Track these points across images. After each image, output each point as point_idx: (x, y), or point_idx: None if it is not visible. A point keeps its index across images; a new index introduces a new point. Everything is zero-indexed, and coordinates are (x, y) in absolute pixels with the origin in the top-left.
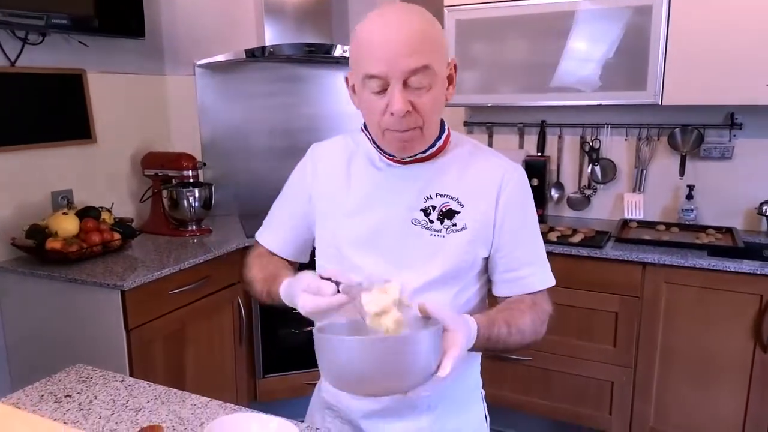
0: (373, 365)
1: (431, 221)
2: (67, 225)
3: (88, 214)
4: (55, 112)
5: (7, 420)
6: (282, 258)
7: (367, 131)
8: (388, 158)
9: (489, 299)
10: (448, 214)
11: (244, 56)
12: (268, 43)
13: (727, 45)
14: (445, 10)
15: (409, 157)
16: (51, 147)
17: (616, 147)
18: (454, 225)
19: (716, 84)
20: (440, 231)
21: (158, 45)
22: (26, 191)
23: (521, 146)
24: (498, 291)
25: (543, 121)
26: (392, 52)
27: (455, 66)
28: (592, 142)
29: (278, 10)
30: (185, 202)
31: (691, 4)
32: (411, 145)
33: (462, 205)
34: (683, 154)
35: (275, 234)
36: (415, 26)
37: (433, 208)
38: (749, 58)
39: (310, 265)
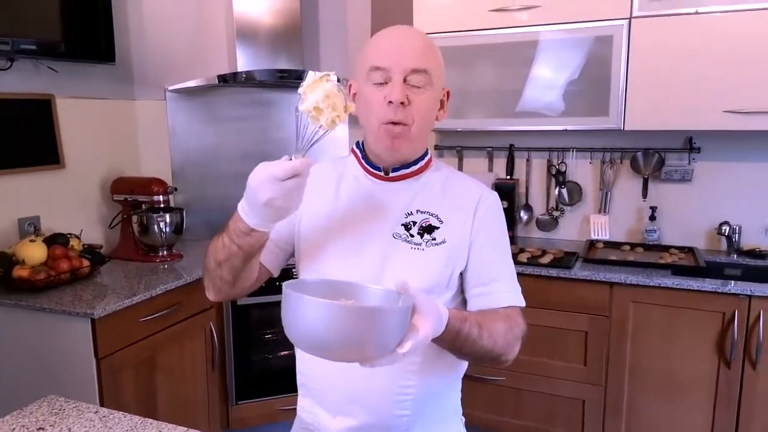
0: (336, 331)
1: (412, 235)
2: (35, 252)
3: (56, 241)
4: (24, 138)
5: None
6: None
7: (359, 148)
8: (373, 174)
9: None
10: (428, 229)
11: (216, 81)
12: (240, 69)
13: (685, 73)
14: None
15: (394, 171)
16: (18, 173)
17: (582, 170)
18: (434, 239)
19: (675, 110)
20: (420, 245)
21: (128, 70)
22: None
23: (490, 169)
24: (471, 306)
25: (511, 145)
26: (399, 48)
27: (448, 93)
28: (559, 165)
29: (250, 35)
30: (156, 227)
31: (649, 33)
32: (399, 143)
33: (441, 222)
34: (645, 176)
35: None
36: (423, 39)
37: (414, 223)
38: (706, 86)
39: (282, 279)
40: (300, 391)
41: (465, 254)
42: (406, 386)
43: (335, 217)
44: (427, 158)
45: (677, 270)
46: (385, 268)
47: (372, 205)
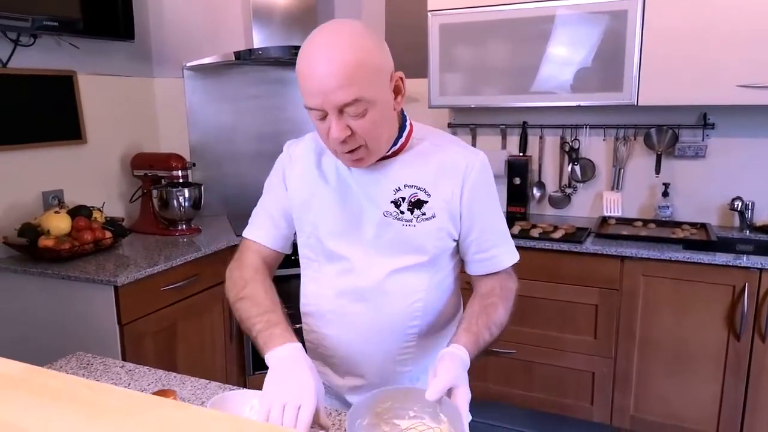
0: None
1: (402, 212)
2: (60, 223)
3: (79, 212)
4: (47, 113)
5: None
6: (271, 250)
7: None
8: None
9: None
10: (417, 204)
11: (233, 58)
12: (255, 46)
13: (700, 47)
14: (428, 14)
15: None
16: (42, 147)
17: (595, 147)
18: (424, 214)
19: (689, 85)
20: (411, 221)
21: (147, 47)
22: (18, 191)
23: (504, 147)
24: (471, 270)
25: (524, 122)
26: (323, 86)
27: (401, 78)
28: (572, 142)
29: (266, 13)
30: (175, 202)
31: (664, 8)
32: (361, 162)
33: (429, 195)
34: (659, 153)
35: (263, 229)
36: (344, 58)
37: (403, 199)
38: (721, 60)
39: (291, 259)
40: (309, 354)
41: (457, 223)
42: (407, 345)
43: (325, 197)
44: (405, 133)
45: (689, 244)
46: (380, 247)
47: (360, 186)
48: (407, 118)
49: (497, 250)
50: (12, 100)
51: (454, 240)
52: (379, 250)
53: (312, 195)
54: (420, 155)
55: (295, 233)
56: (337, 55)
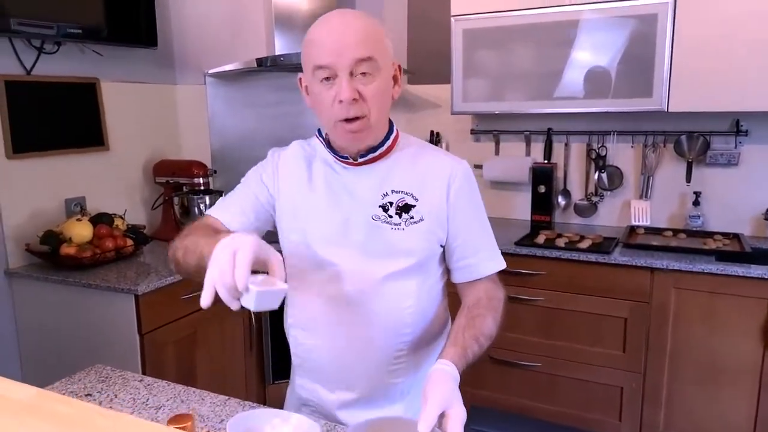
0: None
1: (390, 216)
2: (82, 231)
3: (101, 220)
4: (70, 120)
5: (47, 403)
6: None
7: (321, 136)
8: (342, 161)
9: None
10: (405, 208)
11: (255, 65)
12: (277, 53)
13: (733, 52)
14: (452, 19)
15: (361, 157)
16: (65, 154)
17: (623, 154)
18: (412, 218)
19: (722, 91)
20: (399, 224)
21: (169, 54)
22: (41, 198)
23: (528, 153)
24: (456, 278)
25: (549, 129)
26: (339, 43)
27: (399, 68)
28: (599, 149)
29: (287, 19)
30: (196, 209)
31: (696, 11)
32: (360, 136)
33: (416, 199)
34: (689, 160)
35: (227, 212)
36: (359, 24)
37: (391, 204)
38: (755, 65)
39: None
40: (297, 372)
41: (444, 228)
42: (398, 356)
43: (313, 202)
44: (393, 136)
45: (722, 256)
46: (369, 251)
47: (348, 190)
48: (393, 124)
49: (480, 256)
50: (36, 108)
51: (441, 245)
52: (368, 254)
53: (301, 202)
54: (405, 160)
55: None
56: (354, 19)
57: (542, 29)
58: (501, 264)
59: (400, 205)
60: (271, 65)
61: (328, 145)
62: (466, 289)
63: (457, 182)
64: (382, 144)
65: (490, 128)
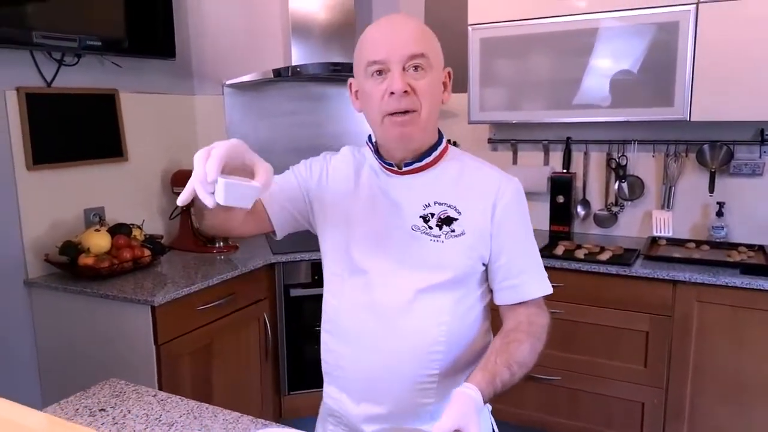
0: None
1: (430, 227)
2: (100, 241)
3: (119, 230)
4: (89, 131)
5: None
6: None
7: (371, 143)
8: (388, 169)
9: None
10: (446, 221)
11: (272, 75)
12: (294, 63)
13: (756, 60)
14: (469, 28)
15: (407, 165)
16: (84, 165)
17: (643, 163)
18: (453, 231)
19: (745, 99)
20: (439, 236)
21: (188, 65)
22: (60, 209)
23: (546, 163)
24: (498, 300)
25: (568, 138)
26: (393, 39)
27: (449, 74)
28: (619, 158)
29: (305, 30)
30: None
31: (718, 19)
32: (409, 131)
33: (459, 213)
34: (712, 170)
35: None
36: (413, 23)
37: (432, 215)
38: None
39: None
40: (325, 379)
41: (487, 246)
42: (429, 375)
43: (356, 208)
44: (441, 147)
45: (746, 269)
46: (405, 261)
47: (390, 199)
48: (443, 135)
49: (526, 277)
50: (56, 119)
51: (483, 264)
52: (404, 265)
53: (344, 206)
54: (452, 172)
55: (298, 225)
56: (408, 19)
57: (560, 38)
58: (547, 288)
59: (441, 217)
60: (288, 75)
61: (377, 151)
62: (507, 312)
63: (504, 199)
64: (429, 153)
65: (507, 137)
